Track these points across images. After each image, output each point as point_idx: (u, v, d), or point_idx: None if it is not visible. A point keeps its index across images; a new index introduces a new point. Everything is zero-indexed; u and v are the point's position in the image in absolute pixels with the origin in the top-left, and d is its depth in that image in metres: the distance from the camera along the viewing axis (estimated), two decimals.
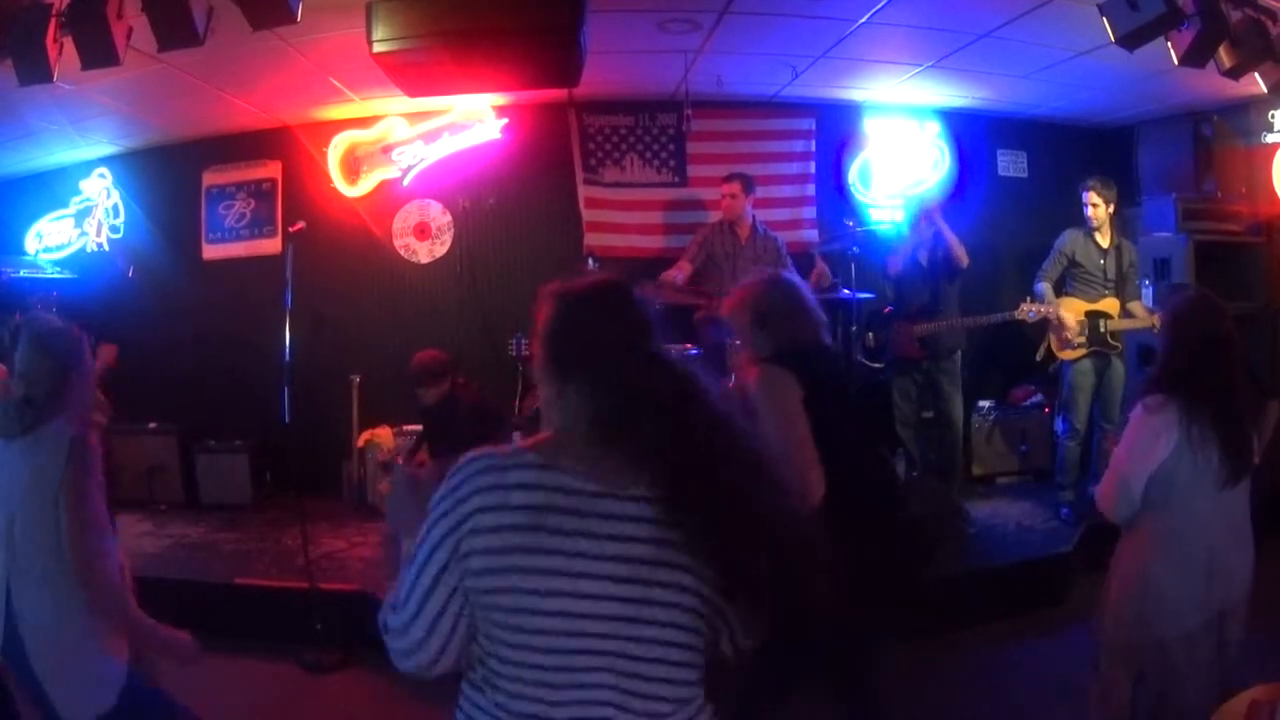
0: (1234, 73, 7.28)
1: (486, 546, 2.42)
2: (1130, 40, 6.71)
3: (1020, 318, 9.28)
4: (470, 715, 2.58)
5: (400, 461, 9.57)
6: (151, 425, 10.86)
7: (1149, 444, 4.54)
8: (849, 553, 4.36)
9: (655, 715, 2.51)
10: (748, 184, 10.04)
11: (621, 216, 11.57)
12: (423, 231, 11.58)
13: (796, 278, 5.39)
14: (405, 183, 11.36)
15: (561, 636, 2.43)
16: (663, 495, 2.47)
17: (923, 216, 9.50)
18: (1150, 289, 9.62)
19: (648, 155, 11.62)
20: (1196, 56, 6.96)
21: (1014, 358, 11.08)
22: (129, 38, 6.30)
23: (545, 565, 2.41)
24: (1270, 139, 10.40)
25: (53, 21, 6.04)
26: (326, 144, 11.32)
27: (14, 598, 4.02)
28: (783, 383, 4.65)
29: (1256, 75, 7.52)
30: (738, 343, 5.24)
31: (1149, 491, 4.59)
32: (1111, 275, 9.60)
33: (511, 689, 2.47)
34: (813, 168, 11.88)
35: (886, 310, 10.12)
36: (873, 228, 11.23)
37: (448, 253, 11.59)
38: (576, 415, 2.56)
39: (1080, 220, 9.71)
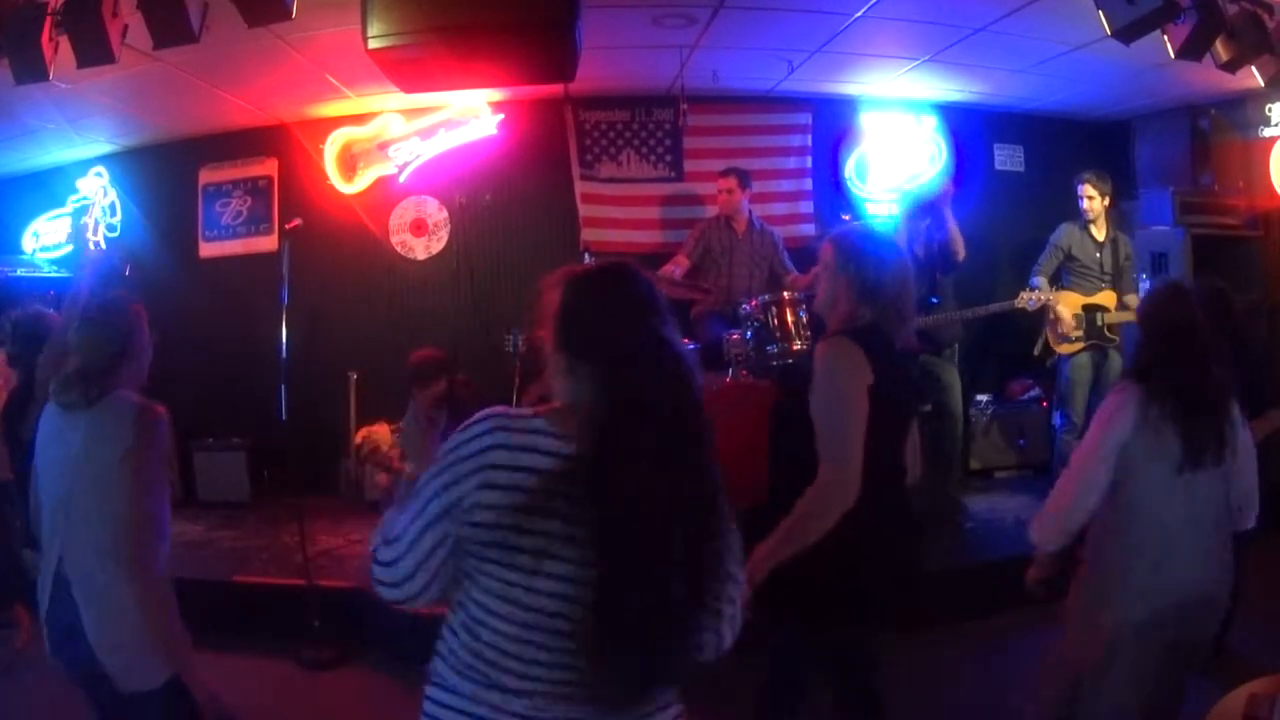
0: (1231, 66, 7.29)
1: (490, 503, 2.49)
2: (1127, 33, 6.71)
3: (1020, 306, 9.27)
4: (450, 657, 2.67)
5: (397, 461, 9.54)
6: None
7: (1108, 422, 4.53)
8: (862, 556, 4.31)
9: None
10: (744, 179, 10.05)
11: (618, 212, 11.57)
12: (419, 228, 11.58)
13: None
14: (401, 179, 11.36)
15: (550, 598, 2.50)
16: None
17: (925, 207, 9.47)
18: (1148, 282, 9.63)
19: (644, 150, 11.62)
20: (1193, 50, 6.96)
21: (1011, 352, 11.11)
22: (124, 36, 6.31)
23: (542, 528, 2.48)
24: (1267, 133, 10.41)
25: (49, 20, 6.05)
26: (322, 141, 11.30)
27: (69, 567, 4.00)
28: (853, 361, 4.22)
29: (1253, 69, 7.53)
30: (819, 294, 4.81)
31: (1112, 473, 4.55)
32: (1108, 268, 9.63)
33: (491, 640, 2.56)
34: (809, 162, 11.88)
35: None
36: (869, 222, 11.24)
37: (444, 249, 11.57)
38: (583, 390, 2.62)
39: (1077, 214, 9.73)
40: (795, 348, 8.57)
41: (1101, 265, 9.65)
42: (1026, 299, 9.26)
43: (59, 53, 6.19)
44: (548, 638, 2.50)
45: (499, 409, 2.65)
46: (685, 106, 10.40)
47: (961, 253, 9.29)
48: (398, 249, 11.59)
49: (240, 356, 10.94)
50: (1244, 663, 4.75)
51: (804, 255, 10.13)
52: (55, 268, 11.27)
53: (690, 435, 2.63)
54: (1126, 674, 4.48)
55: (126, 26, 6.30)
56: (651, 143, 11.62)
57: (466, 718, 2.59)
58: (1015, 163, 12.30)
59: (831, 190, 11.86)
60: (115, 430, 4.01)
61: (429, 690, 2.72)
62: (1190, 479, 4.44)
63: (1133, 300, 9.40)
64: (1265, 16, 7.20)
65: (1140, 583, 4.48)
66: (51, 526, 4.08)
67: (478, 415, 2.63)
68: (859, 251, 4.49)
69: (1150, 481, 4.48)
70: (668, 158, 11.65)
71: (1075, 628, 4.85)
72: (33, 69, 6.11)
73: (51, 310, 6.50)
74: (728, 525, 2.68)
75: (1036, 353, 10.04)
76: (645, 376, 2.60)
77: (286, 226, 9.00)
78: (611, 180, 11.58)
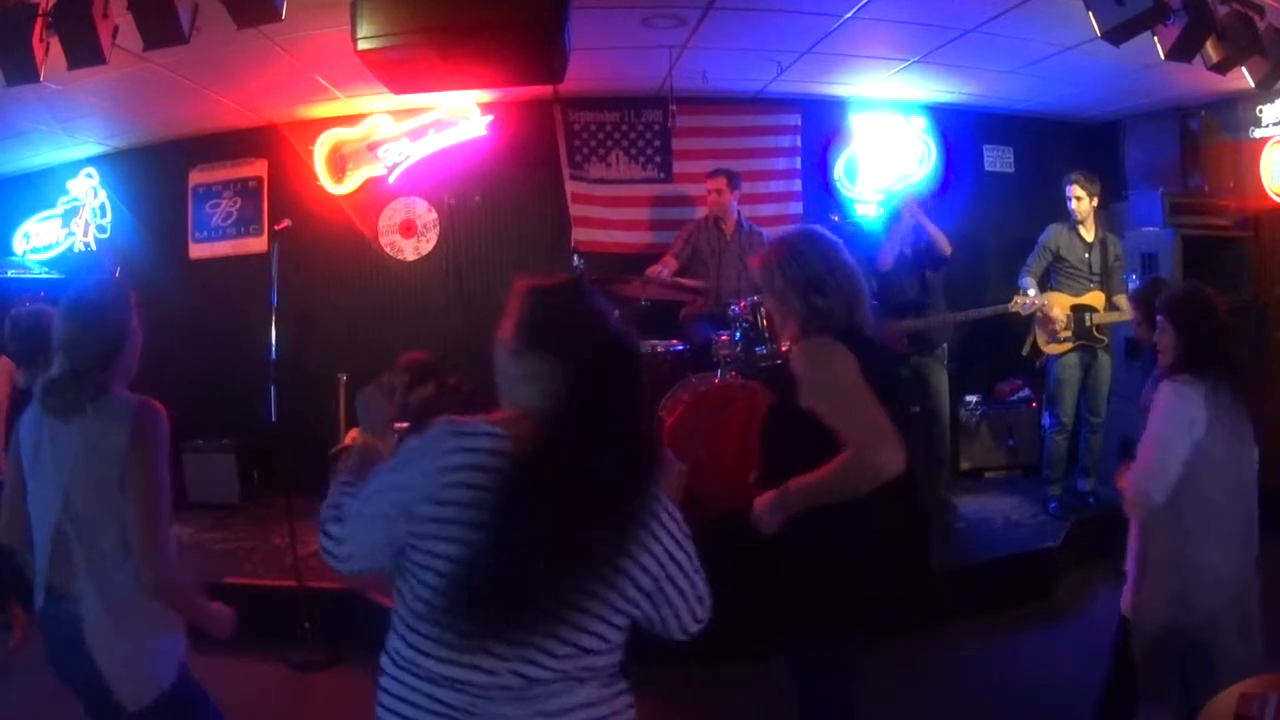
0: (1221, 67, 7.29)
1: (429, 500, 2.70)
2: (1116, 34, 6.71)
3: (1014, 310, 9.30)
4: (398, 635, 2.83)
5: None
6: None
7: (1187, 418, 4.65)
8: (883, 553, 4.25)
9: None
10: (733, 179, 10.05)
11: (607, 212, 11.58)
12: (408, 229, 11.58)
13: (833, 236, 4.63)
14: (391, 180, 11.35)
15: (447, 561, 2.69)
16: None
17: (905, 210, 9.48)
18: (1137, 283, 9.63)
19: (633, 151, 11.63)
20: (1183, 51, 6.96)
21: (1000, 352, 11.10)
22: (115, 37, 6.29)
23: (477, 519, 2.65)
24: (1258, 134, 10.41)
25: (39, 21, 6.03)
26: (312, 142, 11.30)
27: (80, 581, 3.84)
28: (836, 350, 4.15)
29: (1244, 70, 7.53)
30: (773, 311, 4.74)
31: (1184, 471, 4.66)
32: (1096, 269, 9.63)
33: (405, 633, 2.80)
34: (798, 163, 11.90)
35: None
36: (858, 223, 11.25)
37: (433, 250, 11.59)
38: (542, 396, 2.79)
39: (1066, 215, 9.73)
40: (784, 348, 8.59)
41: (1090, 266, 9.64)
42: (1020, 303, 9.28)
43: (49, 54, 6.18)
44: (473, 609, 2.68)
45: (452, 416, 2.82)
46: (674, 107, 10.40)
47: (946, 249, 9.31)
48: (387, 250, 11.59)
49: (229, 357, 10.93)
50: None
51: None
52: (46, 269, 11.25)
53: (629, 442, 2.85)
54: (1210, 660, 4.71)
55: (117, 28, 6.29)
56: (641, 143, 11.63)
57: (413, 693, 2.77)
58: (1005, 164, 12.31)
59: (821, 191, 11.87)
60: (114, 433, 3.83)
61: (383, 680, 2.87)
62: (1243, 463, 4.77)
63: (1122, 301, 9.39)
64: (1256, 18, 7.20)
65: (1233, 567, 4.73)
66: (43, 539, 3.93)
67: (435, 424, 2.80)
68: (811, 247, 4.45)
69: (1231, 473, 4.74)
70: (657, 159, 11.65)
71: (1151, 645, 4.93)
72: (23, 70, 6.09)
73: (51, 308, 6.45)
74: (646, 544, 2.84)
75: (1025, 353, 10.04)
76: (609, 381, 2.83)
77: (276, 227, 9.01)
78: (601, 181, 11.59)
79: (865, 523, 4.08)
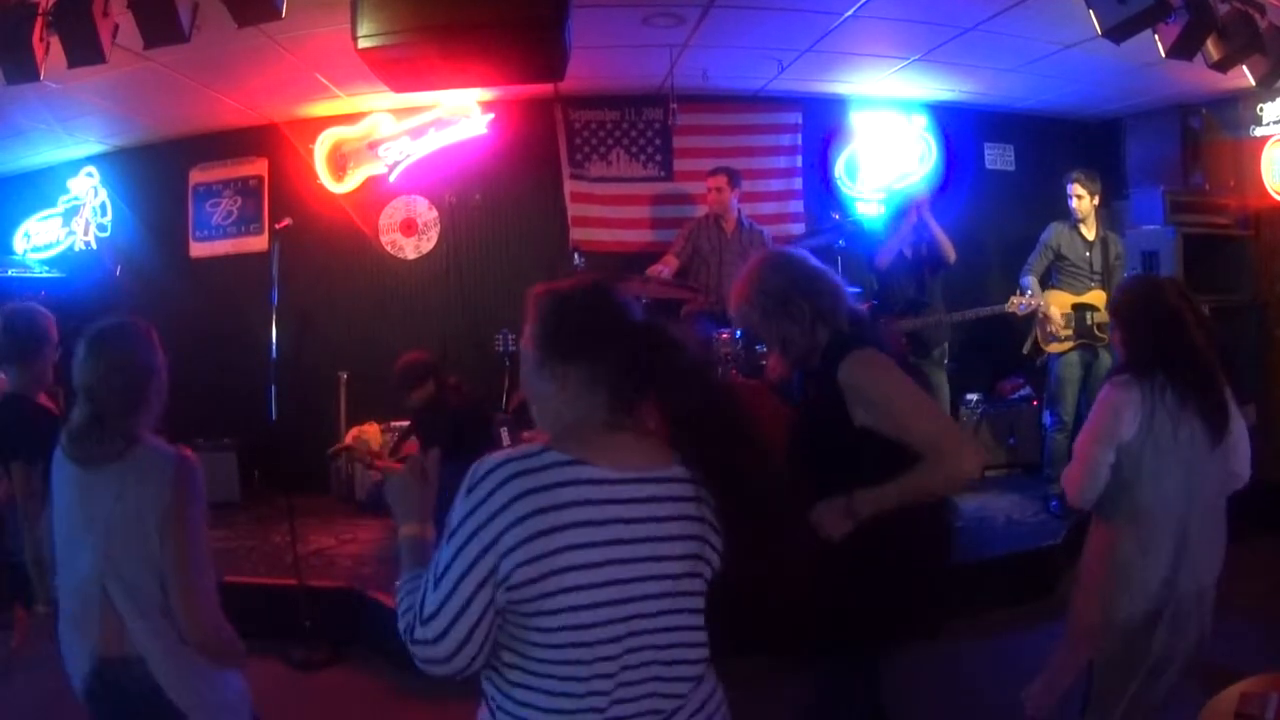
0: (1222, 65, 7.29)
1: (529, 561, 2.45)
2: (1117, 32, 6.71)
3: (1011, 310, 9.30)
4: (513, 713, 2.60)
5: (384, 458, 9.51)
6: None
7: (1113, 420, 4.55)
8: (908, 553, 4.19)
9: (685, 681, 2.69)
10: (734, 178, 10.04)
11: (607, 211, 11.59)
12: (409, 228, 11.57)
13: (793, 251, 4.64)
14: (391, 179, 11.35)
15: (610, 625, 2.51)
16: (687, 472, 2.67)
17: (910, 210, 9.47)
18: None
19: (633, 150, 11.62)
20: (1184, 49, 6.97)
21: (1001, 351, 11.09)
22: (115, 35, 6.30)
23: (588, 559, 2.49)
24: (1258, 132, 10.42)
25: (39, 20, 6.03)
26: (313, 141, 11.29)
27: (125, 634, 3.67)
28: (882, 361, 4.09)
29: (1245, 68, 7.53)
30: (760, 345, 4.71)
31: (1118, 473, 4.58)
32: (1097, 267, 9.62)
33: (555, 687, 2.52)
34: (799, 161, 11.90)
35: (868, 305, 10.05)
36: (859, 221, 11.24)
37: (434, 249, 11.59)
38: (592, 405, 2.67)
39: (1067, 214, 9.73)
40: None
41: (1091, 264, 9.64)
42: (1017, 303, 9.28)
43: (49, 53, 6.18)
44: (612, 646, 2.54)
45: (502, 455, 2.56)
46: (675, 106, 10.39)
47: (950, 256, 9.30)
48: (388, 249, 11.58)
49: (230, 356, 10.91)
50: (1227, 665, 4.74)
51: None
52: (47, 268, 11.24)
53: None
54: (1125, 669, 4.57)
55: (117, 26, 6.29)
56: (641, 142, 11.63)
57: None
58: (1006, 162, 12.32)
59: (821, 189, 11.87)
60: (153, 487, 3.67)
61: None
62: (1199, 467, 4.55)
63: None
64: (1256, 16, 7.20)
65: (1155, 578, 4.55)
66: (84, 595, 3.74)
67: (482, 468, 2.54)
68: (774, 269, 4.43)
69: (1164, 479, 4.54)
70: (657, 157, 11.65)
71: (1082, 625, 4.88)
72: (23, 69, 6.09)
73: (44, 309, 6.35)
74: None
75: (1026, 351, 10.03)
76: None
77: (276, 226, 9.02)
78: (601, 179, 11.60)
79: (908, 529, 3.99)
